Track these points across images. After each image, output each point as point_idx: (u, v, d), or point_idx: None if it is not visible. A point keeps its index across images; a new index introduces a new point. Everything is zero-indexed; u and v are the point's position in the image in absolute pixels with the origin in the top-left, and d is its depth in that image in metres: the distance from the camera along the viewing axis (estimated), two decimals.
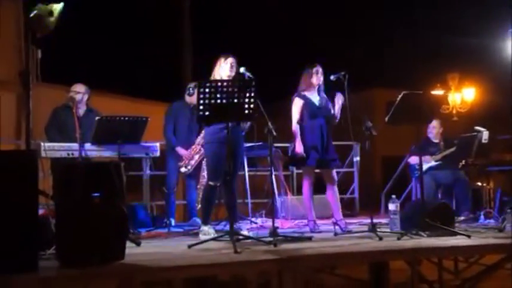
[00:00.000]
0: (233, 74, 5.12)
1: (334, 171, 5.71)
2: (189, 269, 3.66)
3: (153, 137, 6.14)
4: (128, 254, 3.72)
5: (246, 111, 4.52)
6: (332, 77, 5.49)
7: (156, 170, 7.50)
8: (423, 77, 12.72)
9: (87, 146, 5.33)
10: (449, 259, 5.49)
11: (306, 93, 5.66)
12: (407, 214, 5.36)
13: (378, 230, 4.99)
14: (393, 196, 5.50)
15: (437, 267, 5.21)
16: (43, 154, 5.13)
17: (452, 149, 6.98)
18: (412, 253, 4.30)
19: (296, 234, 5.17)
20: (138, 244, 4.46)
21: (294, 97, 5.69)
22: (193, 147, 6.23)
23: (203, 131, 5.71)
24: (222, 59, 5.18)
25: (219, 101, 4.43)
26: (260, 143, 6.78)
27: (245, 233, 5.10)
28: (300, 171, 6.31)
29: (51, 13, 4.08)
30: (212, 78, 5.10)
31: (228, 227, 4.87)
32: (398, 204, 5.43)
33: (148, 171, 7.50)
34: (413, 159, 7.16)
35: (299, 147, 5.51)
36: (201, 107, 4.44)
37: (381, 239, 4.71)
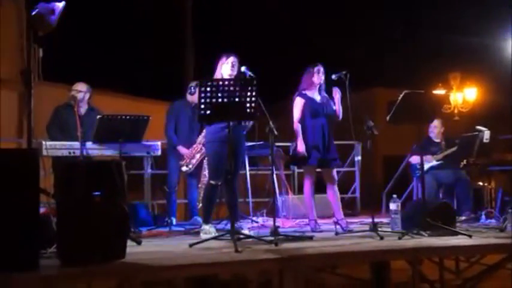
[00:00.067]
0: (234, 73, 5.12)
1: (334, 171, 5.71)
2: (190, 268, 3.66)
3: (155, 136, 6.14)
4: (128, 252, 3.72)
5: (247, 110, 4.52)
6: (333, 76, 5.49)
7: (158, 169, 7.50)
8: (425, 77, 12.72)
9: (89, 144, 5.33)
10: (450, 259, 5.49)
11: (307, 93, 5.66)
12: (409, 214, 5.35)
13: (379, 229, 4.98)
14: (394, 196, 5.50)
15: (438, 267, 5.21)
16: (44, 153, 5.13)
17: (454, 149, 6.98)
18: (413, 253, 4.30)
19: (297, 234, 5.17)
20: (139, 243, 4.47)
21: (295, 96, 5.69)
22: (194, 146, 6.23)
23: (204, 130, 5.71)
24: (224, 58, 5.18)
25: (220, 100, 4.43)
26: (261, 142, 6.78)
27: (246, 232, 5.10)
28: (301, 170, 6.30)
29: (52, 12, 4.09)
30: (214, 77, 5.10)
31: (229, 226, 4.88)
32: (400, 204, 5.43)
33: (149, 170, 7.50)
34: (415, 159, 7.15)
35: (301, 147, 5.51)
36: (202, 106, 4.44)
37: (382, 238, 4.71)
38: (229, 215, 5.13)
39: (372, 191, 8.89)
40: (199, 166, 6.31)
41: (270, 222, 5.95)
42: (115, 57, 15.71)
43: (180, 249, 4.31)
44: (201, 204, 5.95)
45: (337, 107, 5.62)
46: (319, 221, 5.71)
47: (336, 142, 5.70)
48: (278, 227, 4.88)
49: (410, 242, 4.59)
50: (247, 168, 7.25)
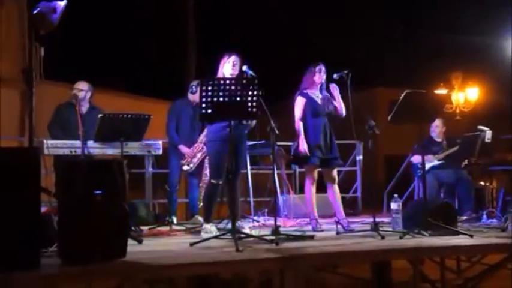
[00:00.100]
0: (236, 72, 5.13)
1: (335, 171, 5.70)
2: (190, 267, 3.66)
3: (156, 135, 6.14)
4: (129, 251, 3.72)
5: (249, 110, 4.52)
6: (335, 76, 5.49)
7: (159, 168, 7.50)
8: (427, 77, 12.70)
9: (90, 143, 5.33)
10: (451, 258, 5.48)
11: (308, 92, 5.65)
12: (410, 213, 5.35)
13: (380, 229, 4.98)
14: (395, 195, 5.49)
15: (439, 267, 5.20)
16: (46, 151, 5.14)
17: (455, 148, 6.97)
18: (414, 252, 4.29)
19: (298, 233, 5.16)
20: (140, 242, 4.47)
21: (296, 96, 5.69)
22: (195, 145, 6.23)
23: (206, 129, 5.71)
24: (225, 58, 5.18)
25: (221, 99, 4.43)
26: (262, 142, 6.77)
27: (247, 231, 5.10)
28: (303, 169, 6.30)
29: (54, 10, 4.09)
30: (216, 76, 5.10)
31: (230, 225, 4.87)
32: (401, 203, 5.42)
33: (150, 169, 7.50)
34: (416, 158, 7.15)
35: (302, 146, 5.50)
36: (204, 105, 4.44)
37: (383, 238, 4.71)
38: (230, 214, 5.13)
39: (373, 191, 8.89)
40: (200, 165, 6.30)
41: (271, 221, 5.95)
42: (117, 56, 15.72)
43: (181, 248, 4.32)
44: (202, 204, 5.96)
45: (339, 103, 5.61)
46: (320, 221, 5.70)
47: (337, 141, 5.70)
48: (279, 226, 4.89)
49: (412, 241, 4.58)
50: (249, 167, 7.24)
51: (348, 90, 5.36)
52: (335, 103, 5.65)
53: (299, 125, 5.58)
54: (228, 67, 5.14)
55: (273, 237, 4.51)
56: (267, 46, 17.03)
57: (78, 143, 5.31)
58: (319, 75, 5.62)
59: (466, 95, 13.08)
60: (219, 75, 5.14)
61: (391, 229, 5.25)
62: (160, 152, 5.72)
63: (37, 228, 3.36)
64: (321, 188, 5.82)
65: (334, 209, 5.63)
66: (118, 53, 15.86)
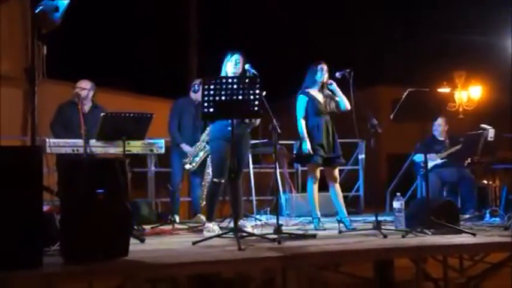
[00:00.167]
0: (239, 71, 5.13)
1: (337, 170, 5.70)
2: (193, 265, 3.66)
3: (158, 133, 6.14)
4: (131, 250, 3.72)
5: (251, 108, 4.51)
6: (337, 74, 5.48)
7: (161, 167, 7.51)
8: (430, 75, 12.67)
9: (92, 142, 5.33)
10: (454, 257, 5.47)
11: (310, 91, 5.64)
12: (412, 212, 5.34)
13: (383, 227, 4.98)
14: (398, 194, 5.48)
15: (442, 265, 5.19)
16: (48, 150, 5.14)
17: (458, 147, 6.95)
18: (417, 251, 4.29)
19: (300, 232, 5.16)
20: (142, 241, 4.47)
21: (298, 94, 5.68)
22: (197, 144, 6.23)
23: (208, 128, 5.71)
24: (228, 56, 5.18)
25: (223, 97, 4.43)
26: (265, 140, 6.77)
27: (249, 230, 5.10)
28: (305, 168, 6.30)
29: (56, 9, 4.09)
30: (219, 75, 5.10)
31: (232, 224, 4.88)
32: (403, 202, 5.41)
33: (153, 168, 7.50)
34: (419, 157, 7.13)
35: (307, 145, 5.48)
36: (206, 104, 4.44)
37: (385, 236, 4.70)
38: (233, 212, 5.13)
39: (376, 189, 8.87)
40: (202, 164, 6.31)
41: (273, 220, 5.95)
42: (119, 55, 15.72)
43: (183, 247, 4.32)
44: (204, 202, 5.96)
45: (342, 96, 5.59)
46: (323, 219, 5.70)
47: (339, 140, 5.69)
48: (281, 225, 4.89)
49: (414, 240, 4.58)
50: (251, 166, 7.24)
51: (351, 89, 5.35)
52: (337, 98, 5.62)
53: (302, 124, 5.57)
54: (230, 66, 5.14)
55: (275, 236, 4.52)
56: (268, 45, 17.02)
57: (80, 141, 5.31)
58: (321, 73, 5.61)
59: (469, 93, 13.06)
60: (222, 74, 5.14)
61: (393, 228, 5.25)
62: (163, 150, 5.72)
63: (39, 227, 3.37)
64: (323, 186, 5.82)
65: (337, 207, 5.62)
66: (120, 51, 15.85)
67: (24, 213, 3.31)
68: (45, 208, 3.80)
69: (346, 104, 5.58)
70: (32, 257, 3.31)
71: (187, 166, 6.26)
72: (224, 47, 5.34)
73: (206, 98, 4.43)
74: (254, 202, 7.20)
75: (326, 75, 5.64)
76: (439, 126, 7.30)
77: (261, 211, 7.13)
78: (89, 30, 14.80)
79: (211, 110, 4.45)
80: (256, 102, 4.49)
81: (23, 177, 3.34)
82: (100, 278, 3.64)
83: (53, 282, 3.32)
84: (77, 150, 5.30)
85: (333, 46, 15.83)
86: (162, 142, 5.67)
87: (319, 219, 5.60)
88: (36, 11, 4.07)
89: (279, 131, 4.78)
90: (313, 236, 4.84)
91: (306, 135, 5.53)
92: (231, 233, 4.51)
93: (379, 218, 5.12)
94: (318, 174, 5.63)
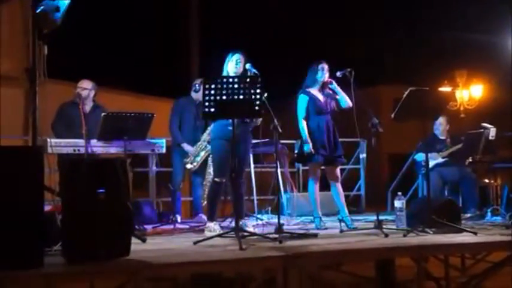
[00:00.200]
0: (240, 70, 5.12)
1: (338, 169, 5.69)
2: (194, 265, 3.66)
3: (159, 133, 6.15)
4: (133, 250, 3.73)
5: (252, 108, 4.51)
6: (338, 74, 5.48)
7: (162, 167, 7.51)
8: (431, 74, 12.67)
9: (94, 142, 5.34)
10: (455, 256, 5.46)
11: (311, 90, 5.64)
12: (414, 211, 5.34)
13: (384, 227, 4.98)
14: (399, 193, 5.48)
15: (443, 264, 5.19)
16: (49, 150, 5.14)
17: (459, 146, 6.95)
18: (418, 250, 4.29)
19: (302, 231, 5.16)
20: (144, 240, 4.47)
21: (298, 94, 5.68)
22: (198, 143, 6.23)
23: (209, 128, 5.72)
24: (229, 56, 5.18)
25: (224, 97, 4.43)
26: (266, 140, 6.77)
27: (251, 229, 5.10)
28: (306, 167, 6.30)
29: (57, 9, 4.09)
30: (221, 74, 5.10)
31: (233, 224, 4.88)
32: (405, 201, 5.41)
33: (154, 168, 7.50)
34: (420, 156, 7.13)
35: (309, 145, 5.48)
36: (206, 104, 4.44)
37: (386, 236, 4.70)
38: (234, 212, 5.13)
39: (377, 189, 8.86)
40: (204, 164, 6.31)
41: (274, 219, 5.95)
42: (120, 55, 15.73)
43: (184, 246, 4.31)
44: (205, 202, 5.96)
45: (342, 93, 5.58)
46: (324, 219, 5.69)
47: (340, 139, 5.69)
48: (283, 224, 4.88)
49: (415, 239, 4.58)
50: (252, 165, 7.24)
51: (352, 88, 5.35)
52: (338, 97, 5.62)
53: (304, 124, 5.57)
54: (231, 65, 5.14)
55: (277, 236, 4.52)
56: (268, 45, 17.03)
57: (81, 141, 5.31)
58: (322, 73, 5.61)
59: (470, 92, 13.05)
60: (223, 73, 5.14)
61: (395, 227, 5.25)
62: (164, 150, 5.72)
63: (40, 227, 3.37)
64: (325, 186, 5.82)
65: (338, 207, 5.62)
66: (121, 51, 15.86)
67: (25, 214, 3.31)
68: (47, 208, 3.80)
69: (347, 101, 5.57)
70: (33, 257, 3.31)
71: (189, 166, 6.26)
72: (225, 47, 5.33)
73: (207, 98, 4.43)
74: (255, 201, 7.19)
75: (327, 75, 5.63)
76: (440, 125, 7.29)
77: (262, 210, 7.13)
78: (90, 30, 14.81)
79: (212, 109, 4.45)
80: (257, 102, 4.49)
81: (25, 177, 3.34)
82: (101, 278, 3.64)
83: (54, 282, 3.32)
84: (78, 150, 5.30)
85: (333, 46, 15.83)
86: (163, 142, 5.67)
87: (321, 218, 5.60)
88: (37, 10, 4.07)
89: (280, 130, 4.78)
90: (315, 236, 4.84)
91: (307, 136, 5.51)
92: (232, 233, 4.51)
93: (381, 217, 5.12)
94: (319, 173, 5.63)
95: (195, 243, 4.31)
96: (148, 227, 5.58)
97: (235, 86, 4.46)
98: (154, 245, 4.44)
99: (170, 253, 4.00)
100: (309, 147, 5.46)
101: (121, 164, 3.75)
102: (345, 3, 17.82)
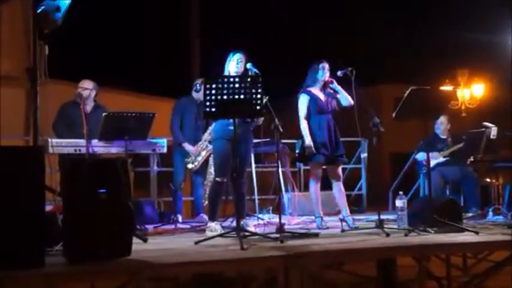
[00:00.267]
0: (241, 70, 5.12)
1: (340, 168, 5.69)
2: (195, 265, 3.66)
3: (160, 133, 6.14)
4: (134, 250, 3.72)
5: (253, 107, 4.51)
6: (339, 73, 5.48)
7: (163, 167, 7.51)
8: (432, 74, 12.66)
9: (95, 142, 5.34)
10: (457, 255, 5.46)
11: (312, 89, 5.63)
12: (415, 210, 5.34)
13: (385, 226, 4.97)
14: (401, 192, 5.48)
15: (445, 264, 5.19)
16: (50, 150, 5.13)
17: (460, 145, 6.94)
18: (420, 249, 4.28)
19: (303, 231, 5.16)
20: (145, 240, 4.47)
21: (299, 94, 5.67)
22: (199, 143, 6.23)
23: (210, 128, 5.71)
24: (230, 55, 5.18)
25: (225, 97, 4.43)
26: (267, 139, 6.76)
27: (252, 229, 5.10)
28: (307, 167, 6.30)
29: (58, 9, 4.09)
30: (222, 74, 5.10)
31: (235, 224, 4.87)
32: (406, 201, 5.41)
33: (155, 168, 7.50)
34: (421, 156, 7.12)
35: (309, 143, 5.47)
36: (207, 103, 4.44)
37: (388, 235, 4.69)
38: (235, 212, 5.13)
39: (378, 188, 8.87)
40: (205, 163, 6.30)
41: (275, 219, 5.94)
42: (121, 55, 15.73)
43: (185, 246, 4.31)
44: (207, 202, 5.96)
45: (343, 92, 5.57)
46: (325, 218, 5.69)
47: (342, 139, 5.68)
48: (284, 224, 4.88)
49: (417, 238, 4.57)
50: (253, 165, 7.24)
51: (353, 87, 5.34)
52: (338, 96, 5.61)
53: (305, 123, 5.56)
54: (232, 65, 5.14)
55: (278, 235, 4.51)
56: (269, 44, 17.03)
57: (82, 141, 5.32)
58: (323, 72, 5.60)
59: (472, 91, 13.04)
60: (225, 73, 5.14)
61: (396, 226, 5.25)
62: (165, 150, 5.71)
63: (41, 227, 3.37)
64: (326, 185, 5.81)
65: (340, 206, 5.61)
66: (122, 51, 15.86)
67: (26, 214, 3.31)
68: (48, 208, 3.80)
69: (348, 99, 5.56)
70: (34, 257, 3.31)
71: (190, 165, 6.26)
72: (226, 47, 5.33)
73: (208, 97, 4.43)
74: (256, 201, 7.19)
75: (328, 74, 5.62)
76: (442, 125, 7.28)
77: (263, 210, 7.13)
78: (91, 30, 14.81)
79: (213, 109, 4.45)
80: (259, 101, 4.49)
81: (26, 177, 3.34)
82: (102, 278, 3.64)
83: (55, 282, 3.32)
84: (79, 150, 5.30)
85: (333, 46, 15.82)
86: (164, 141, 5.67)
87: (322, 218, 5.59)
88: (38, 10, 4.07)
89: (281, 130, 4.78)
90: (316, 235, 4.84)
91: (309, 136, 5.50)
92: (233, 233, 4.51)
93: (382, 217, 5.12)
94: (320, 173, 5.62)
95: (196, 243, 4.31)
96: (150, 227, 5.58)
97: (236, 85, 4.45)
98: (156, 244, 4.44)
99: (171, 253, 4.00)
100: (311, 147, 5.45)
101: (122, 163, 3.74)
102: (345, 3, 17.82)
